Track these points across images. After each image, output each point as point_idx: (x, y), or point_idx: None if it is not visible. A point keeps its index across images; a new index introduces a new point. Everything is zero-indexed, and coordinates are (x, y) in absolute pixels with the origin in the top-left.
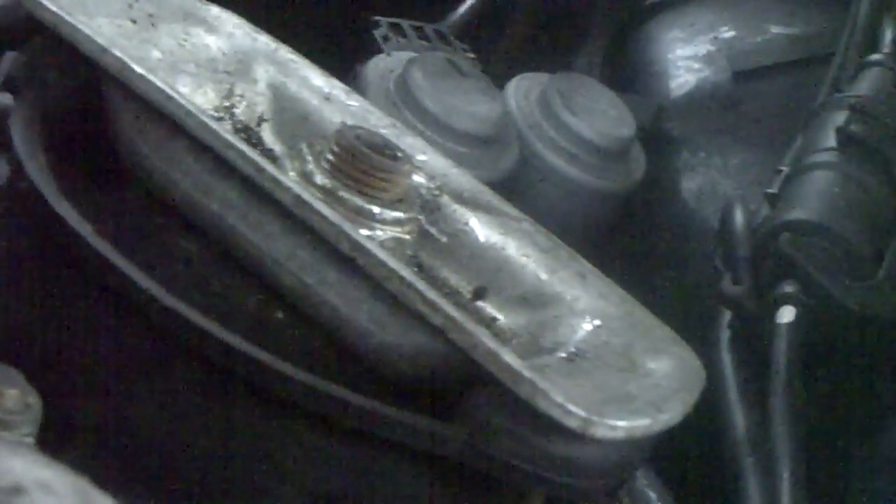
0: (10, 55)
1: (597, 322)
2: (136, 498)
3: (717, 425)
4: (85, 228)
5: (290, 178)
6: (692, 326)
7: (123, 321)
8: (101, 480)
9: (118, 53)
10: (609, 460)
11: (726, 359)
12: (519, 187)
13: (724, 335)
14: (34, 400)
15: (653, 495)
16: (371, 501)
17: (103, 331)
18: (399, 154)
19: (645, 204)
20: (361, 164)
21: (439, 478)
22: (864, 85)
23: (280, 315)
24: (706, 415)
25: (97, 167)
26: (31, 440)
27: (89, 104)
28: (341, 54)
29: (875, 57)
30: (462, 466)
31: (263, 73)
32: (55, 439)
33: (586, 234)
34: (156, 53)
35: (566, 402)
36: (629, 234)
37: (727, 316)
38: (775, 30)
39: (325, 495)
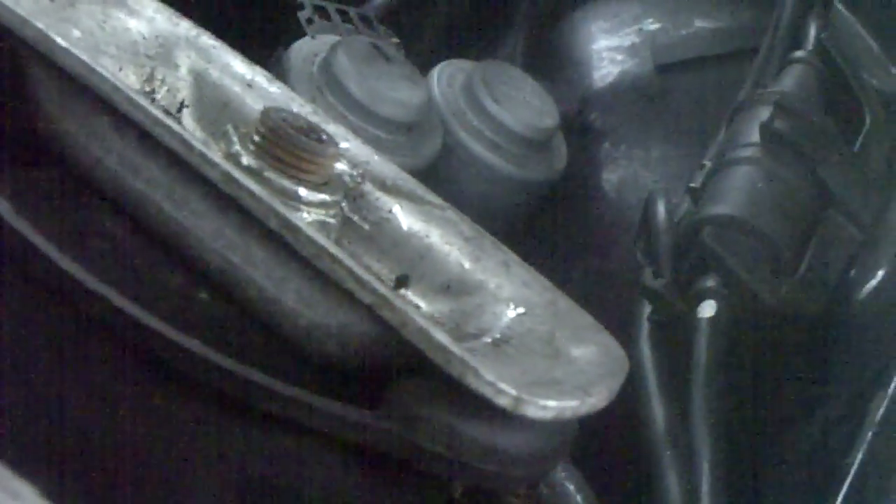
0: None
1: (520, 310)
2: (55, 484)
3: (635, 418)
4: (3, 207)
5: (217, 156)
6: (610, 318)
7: (43, 303)
8: (20, 465)
9: (40, 25)
10: (533, 449)
11: (646, 351)
12: (441, 175)
13: (644, 328)
14: None
15: (571, 488)
16: (297, 490)
17: (23, 313)
18: (324, 137)
19: (566, 194)
20: (288, 146)
21: (365, 466)
22: (788, 81)
23: (205, 296)
24: (625, 407)
25: (14, 144)
26: None
27: (5, 80)
28: (264, 36)
29: (799, 54)
30: (388, 455)
31: (185, 59)
32: None
33: (507, 222)
34: (76, 32)
35: (497, 380)
36: (550, 224)
37: (647, 308)
38: (700, 23)
39: (248, 484)
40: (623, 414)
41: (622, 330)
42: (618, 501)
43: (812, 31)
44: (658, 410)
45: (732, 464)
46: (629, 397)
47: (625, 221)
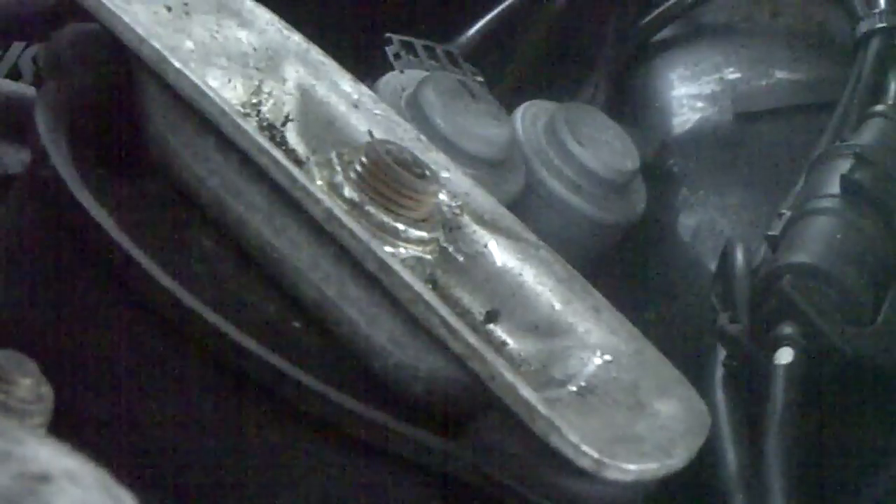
0: (38, 46)
1: (607, 357)
2: (141, 496)
3: (708, 462)
4: (105, 220)
5: (319, 189)
6: (680, 363)
7: (139, 317)
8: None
9: (156, 45)
10: (612, 498)
11: (720, 396)
12: (522, 213)
13: (719, 372)
14: (47, 390)
15: None
16: None
17: (119, 325)
18: (427, 172)
19: (643, 238)
20: (390, 181)
21: (444, 495)
22: (868, 135)
23: (297, 325)
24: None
25: (121, 158)
26: (42, 431)
27: (116, 93)
28: (352, 68)
29: (879, 108)
30: (466, 486)
31: (293, 73)
32: (64, 432)
33: (585, 263)
34: (188, 44)
35: (580, 442)
36: (626, 266)
37: (722, 353)
38: (780, 74)
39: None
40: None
41: (693, 374)
42: None
43: (892, 87)
44: (731, 454)
45: None
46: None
47: (699, 267)
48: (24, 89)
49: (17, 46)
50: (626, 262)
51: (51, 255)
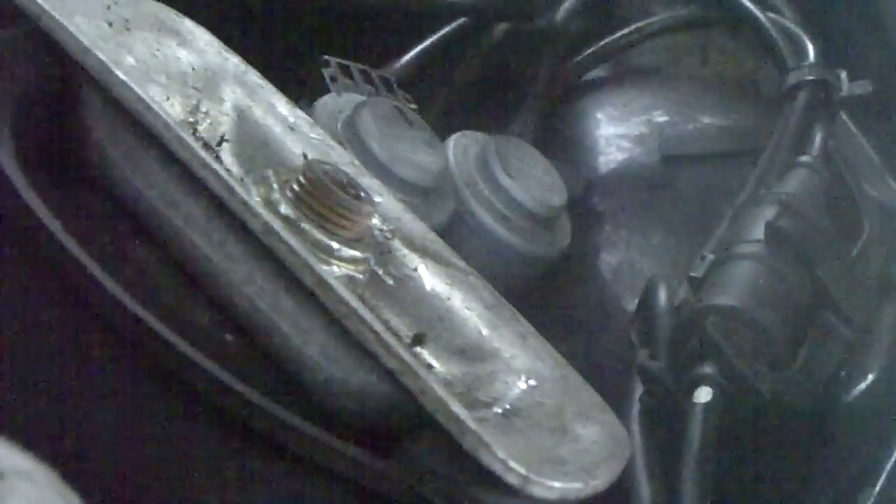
0: None
1: (532, 382)
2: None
3: (622, 495)
4: (49, 219)
5: (257, 204)
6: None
7: (78, 318)
8: None
9: (101, 56)
10: None
11: (636, 431)
12: (449, 241)
13: (636, 408)
14: None
15: None
16: None
17: (60, 327)
18: (362, 194)
19: (565, 273)
20: (326, 200)
21: None
22: (793, 184)
23: (229, 337)
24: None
25: (61, 164)
26: None
27: (56, 100)
28: (289, 90)
29: (805, 158)
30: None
31: (230, 94)
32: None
33: (508, 294)
34: (130, 59)
35: (508, 458)
36: (547, 299)
37: (639, 389)
38: (707, 120)
39: None
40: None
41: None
42: None
43: (818, 138)
44: (645, 490)
45: None
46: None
47: (617, 304)
48: None
49: None
50: (548, 295)
51: None
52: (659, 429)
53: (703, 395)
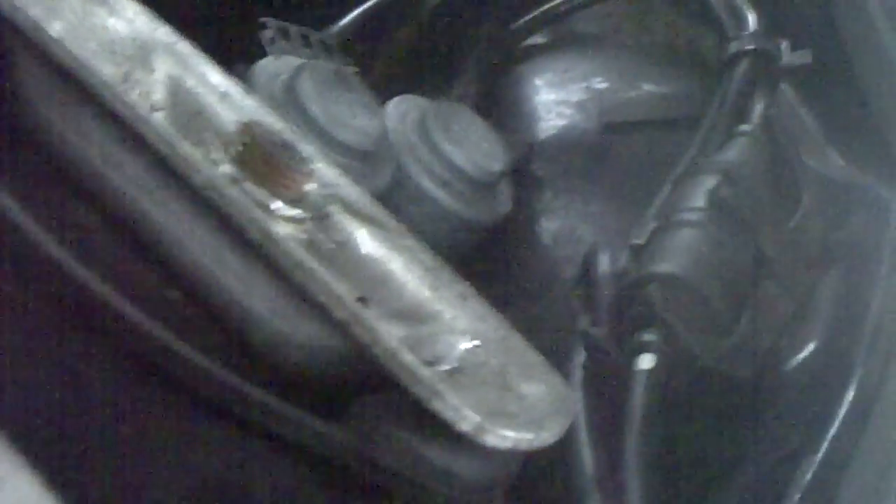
0: None
1: (475, 342)
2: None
3: (564, 462)
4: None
5: (199, 161)
6: None
7: (22, 283)
8: None
9: (31, 14)
10: (484, 476)
11: (578, 396)
12: (389, 206)
13: (577, 374)
14: None
15: None
16: (251, 493)
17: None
18: (302, 155)
19: (506, 239)
20: (266, 160)
21: (320, 476)
22: (734, 152)
23: (175, 294)
24: (554, 453)
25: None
26: None
27: None
28: (222, 51)
29: (745, 127)
30: (345, 469)
31: (161, 64)
32: None
33: (448, 259)
34: (57, 25)
35: (461, 405)
36: (487, 265)
37: (580, 356)
38: (647, 87)
39: (203, 481)
40: (552, 458)
41: None
42: None
43: (758, 108)
44: (587, 456)
45: None
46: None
47: (557, 271)
48: None
49: None
50: (489, 261)
51: None
52: (601, 396)
53: (646, 361)
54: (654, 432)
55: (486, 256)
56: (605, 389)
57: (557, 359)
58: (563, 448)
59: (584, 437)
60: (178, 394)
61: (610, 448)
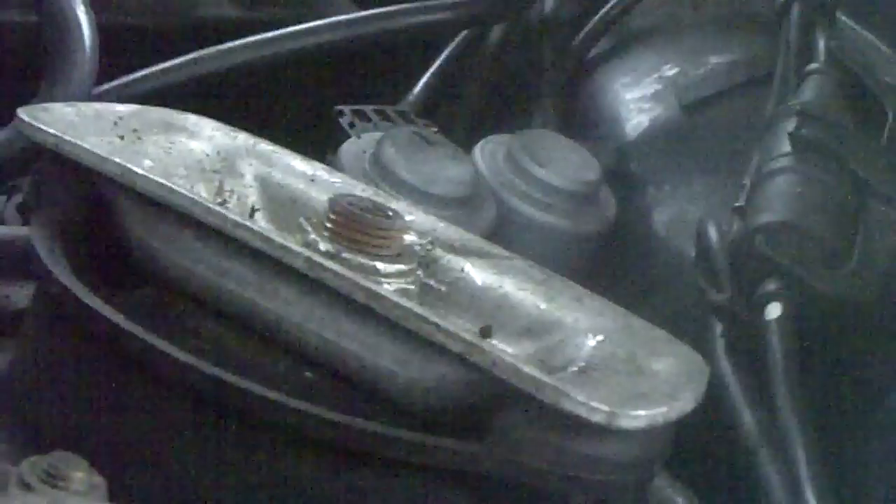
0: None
1: (599, 337)
2: None
3: (726, 428)
4: (115, 315)
5: (296, 245)
6: None
7: (168, 396)
8: None
9: (118, 160)
10: (633, 454)
11: (725, 365)
12: (500, 243)
13: (719, 344)
14: (98, 480)
15: (679, 500)
16: None
17: (151, 409)
18: (391, 213)
19: (620, 243)
20: (359, 225)
21: (479, 495)
22: (808, 92)
23: (309, 374)
24: (715, 422)
25: (115, 271)
26: None
27: (95, 214)
28: (309, 149)
29: (813, 66)
30: (500, 482)
31: (248, 167)
32: None
33: (573, 277)
34: (147, 162)
35: (589, 399)
36: (610, 273)
37: (718, 327)
38: (715, 60)
39: None
40: (713, 428)
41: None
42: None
43: (821, 45)
44: (747, 416)
45: (827, 448)
46: (717, 411)
47: (681, 257)
48: (16, 231)
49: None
50: (611, 267)
51: (80, 363)
52: (746, 358)
53: (774, 310)
54: (800, 375)
55: (606, 263)
56: (748, 351)
57: (700, 337)
58: (724, 417)
59: (739, 399)
60: (333, 455)
61: (766, 404)
